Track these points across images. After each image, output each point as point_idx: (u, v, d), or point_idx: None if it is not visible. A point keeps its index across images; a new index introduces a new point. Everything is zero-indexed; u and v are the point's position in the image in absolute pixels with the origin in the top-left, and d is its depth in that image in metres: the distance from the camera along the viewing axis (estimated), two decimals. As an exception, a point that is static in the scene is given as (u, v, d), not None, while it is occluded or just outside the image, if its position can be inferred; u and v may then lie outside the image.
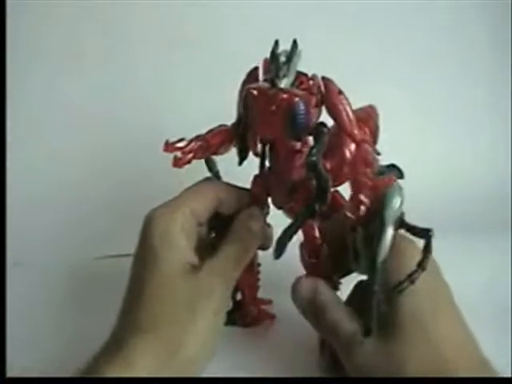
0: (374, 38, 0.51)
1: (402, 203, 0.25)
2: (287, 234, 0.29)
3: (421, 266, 0.25)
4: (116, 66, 0.49)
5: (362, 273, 0.27)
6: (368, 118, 0.33)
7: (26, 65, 0.48)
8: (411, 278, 0.25)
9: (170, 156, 0.30)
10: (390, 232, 0.25)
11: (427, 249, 0.26)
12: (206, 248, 0.31)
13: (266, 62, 0.30)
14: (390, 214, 0.25)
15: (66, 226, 0.49)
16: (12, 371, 0.31)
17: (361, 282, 0.31)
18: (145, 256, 0.29)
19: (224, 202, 0.32)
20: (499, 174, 0.54)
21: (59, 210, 0.49)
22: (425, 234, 0.26)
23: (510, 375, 0.30)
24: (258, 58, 0.32)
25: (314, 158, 0.27)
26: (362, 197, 0.25)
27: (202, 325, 0.28)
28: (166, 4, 0.48)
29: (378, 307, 0.25)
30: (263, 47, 0.30)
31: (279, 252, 0.29)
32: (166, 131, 0.31)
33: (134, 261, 0.30)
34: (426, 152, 0.53)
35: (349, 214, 0.26)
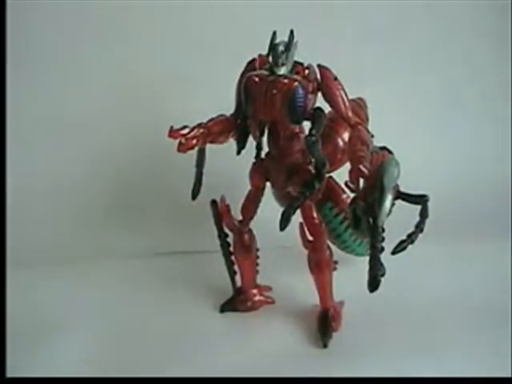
0: (375, 38, 0.51)
1: (398, 173, 0.27)
2: (291, 208, 0.31)
3: (419, 227, 0.28)
4: (116, 63, 0.49)
5: (363, 236, 0.29)
6: (359, 108, 0.35)
7: (25, 64, 0.48)
8: (411, 237, 0.28)
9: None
10: (389, 198, 0.26)
11: (424, 212, 0.28)
12: None
13: (260, 57, 0.32)
14: (389, 181, 0.26)
15: (66, 227, 0.49)
16: (12, 371, 0.31)
17: None
18: None
19: None
20: (499, 175, 0.54)
21: (59, 210, 0.49)
22: (420, 199, 0.28)
23: (509, 375, 0.31)
24: (255, 53, 0.33)
25: (313, 138, 0.29)
26: (362, 167, 0.27)
27: None
28: (167, 1, 0.48)
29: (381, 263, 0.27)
30: (261, 43, 0.32)
31: (284, 224, 0.31)
32: (165, 129, 0.30)
33: None
34: (426, 153, 0.53)
35: (350, 185, 0.27)
